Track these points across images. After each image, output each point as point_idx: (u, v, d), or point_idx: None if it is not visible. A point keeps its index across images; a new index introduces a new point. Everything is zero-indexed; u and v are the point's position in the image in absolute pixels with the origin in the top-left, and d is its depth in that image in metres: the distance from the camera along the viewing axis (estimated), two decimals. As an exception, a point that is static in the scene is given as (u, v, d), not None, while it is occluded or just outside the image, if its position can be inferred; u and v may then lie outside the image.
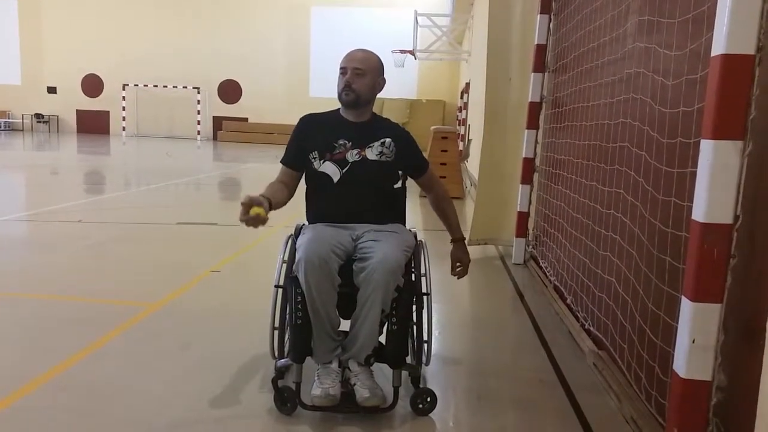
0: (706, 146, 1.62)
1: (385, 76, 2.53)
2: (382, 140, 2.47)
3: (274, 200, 2.24)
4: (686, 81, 2.07)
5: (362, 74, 2.41)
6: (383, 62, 2.54)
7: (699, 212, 1.65)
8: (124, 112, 26.80)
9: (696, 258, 1.66)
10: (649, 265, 2.30)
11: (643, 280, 2.35)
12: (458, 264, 2.64)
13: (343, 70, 2.43)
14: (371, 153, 2.45)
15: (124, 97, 26.75)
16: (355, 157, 2.43)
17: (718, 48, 1.58)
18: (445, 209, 2.69)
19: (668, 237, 2.11)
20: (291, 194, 2.49)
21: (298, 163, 2.50)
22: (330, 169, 2.43)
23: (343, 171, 2.43)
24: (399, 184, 2.57)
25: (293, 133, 2.55)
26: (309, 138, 2.49)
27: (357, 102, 2.43)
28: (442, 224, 2.71)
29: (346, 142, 2.44)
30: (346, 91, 2.41)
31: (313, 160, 2.45)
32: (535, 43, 4.54)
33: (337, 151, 2.44)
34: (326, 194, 2.44)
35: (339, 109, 2.54)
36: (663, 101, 2.29)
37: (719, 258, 1.64)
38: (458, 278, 2.66)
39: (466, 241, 2.71)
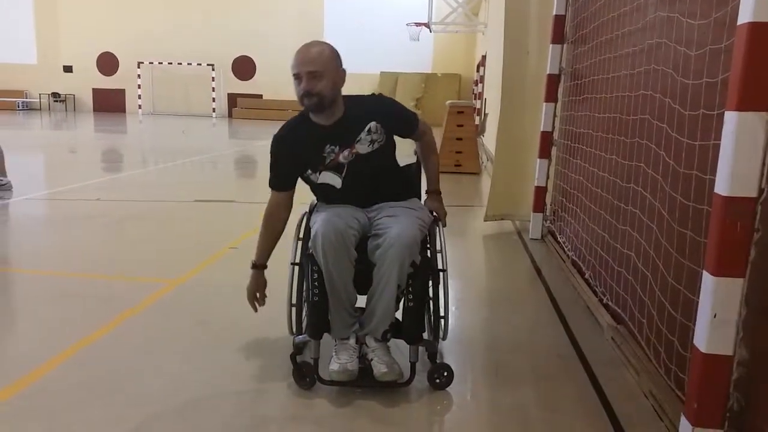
0: (731, 118, 1.59)
1: (345, 66, 2.28)
2: (367, 128, 2.31)
3: (267, 258, 2.44)
4: (710, 51, 2.02)
5: (319, 76, 2.17)
6: (338, 51, 2.27)
7: (722, 186, 1.62)
8: (139, 90, 26.88)
9: (718, 232, 1.64)
10: (669, 240, 2.27)
11: (663, 255, 2.32)
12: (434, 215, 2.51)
13: (297, 76, 2.20)
14: (362, 147, 2.32)
15: (139, 75, 26.80)
16: (348, 158, 2.32)
17: (744, 16, 1.53)
18: (428, 158, 2.60)
19: (689, 211, 2.08)
20: (286, 219, 2.42)
21: (288, 185, 2.40)
22: (329, 178, 2.35)
23: (343, 175, 2.34)
24: (413, 159, 2.54)
25: (273, 158, 2.39)
26: (293, 160, 2.36)
27: (321, 104, 2.21)
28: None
29: (334, 147, 2.31)
30: (306, 97, 2.19)
31: (309, 175, 2.37)
32: (554, 13, 4.44)
33: (329, 159, 2.33)
34: (334, 198, 2.38)
35: (308, 114, 2.30)
36: (685, 72, 2.24)
37: (742, 232, 1.62)
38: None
39: (442, 196, 2.60)
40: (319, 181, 2.37)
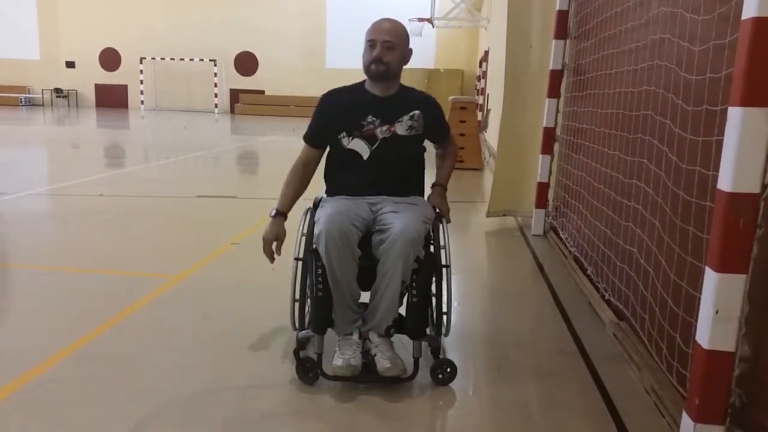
0: (734, 113, 1.58)
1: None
2: (411, 113, 2.41)
3: (290, 207, 2.44)
4: (714, 46, 2.01)
5: (392, 47, 2.33)
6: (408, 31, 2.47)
7: (725, 182, 1.62)
8: (142, 85, 26.87)
9: (721, 228, 1.64)
10: (671, 236, 2.27)
11: (665, 251, 2.32)
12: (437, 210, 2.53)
13: (372, 43, 2.34)
14: (401, 128, 2.40)
15: (141, 71, 26.79)
16: (384, 134, 2.39)
17: (749, 11, 1.53)
18: (445, 160, 2.67)
19: (692, 207, 2.08)
20: (312, 175, 2.50)
21: (322, 142, 2.48)
22: (359, 146, 2.40)
23: (373, 148, 2.39)
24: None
25: (316, 111, 2.49)
26: (334, 117, 2.43)
27: (387, 74, 2.36)
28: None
29: (375, 119, 2.39)
30: (376, 63, 2.33)
31: (341, 138, 2.41)
32: (557, 8, 4.43)
33: (366, 129, 2.39)
34: (354, 170, 2.42)
35: (364, 82, 2.47)
36: (689, 68, 2.23)
37: (745, 228, 1.61)
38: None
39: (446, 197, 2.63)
40: (348, 146, 2.40)
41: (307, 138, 2.51)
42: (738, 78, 1.57)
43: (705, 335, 1.69)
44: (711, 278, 1.67)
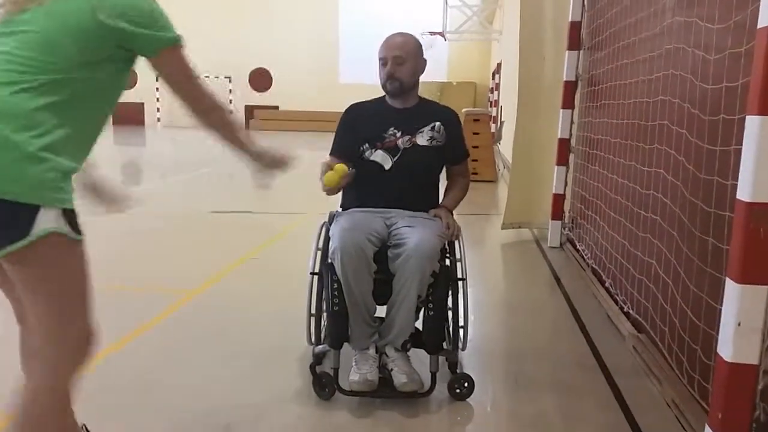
0: (752, 122, 1.57)
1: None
2: (432, 124, 2.46)
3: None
4: (730, 55, 2.00)
5: (402, 62, 2.39)
6: (421, 43, 2.50)
7: (744, 191, 1.60)
8: (158, 103, 27.22)
9: (741, 238, 1.61)
10: (690, 247, 2.24)
11: (684, 262, 2.29)
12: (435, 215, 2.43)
13: (383, 61, 2.41)
14: (422, 139, 2.44)
15: (157, 89, 27.12)
16: (406, 144, 2.43)
17: (765, 19, 1.51)
18: (455, 190, 2.59)
19: (711, 217, 2.05)
20: None
21: (347, 154, 2.48)
22: (381, 157, 2.42)
23: (395, 159, 2.42)
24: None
25: (340, 124, 2.55)
26: (357, 130, 2.48)
27: (401, 90, 2.43)
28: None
29: (396, 131, 2.43)
30: (389, 81, 2.41)
31: (364, 150, 2.44)
32: (569, 20, 4.43)
33: (388, 140, 2.43)
34: (376, 181, 2.43)
35: (385, 96, 2.52)
36: (705, 77, 2.22)
37: (766, 238, 1.59)
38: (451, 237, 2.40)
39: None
40: (371, 158, 2.43)
41: (333, 151, 2.53)
42: (755, 86, 1.56)
43: (727, 348, 1.67)
44: (732, 289, 1.65)
